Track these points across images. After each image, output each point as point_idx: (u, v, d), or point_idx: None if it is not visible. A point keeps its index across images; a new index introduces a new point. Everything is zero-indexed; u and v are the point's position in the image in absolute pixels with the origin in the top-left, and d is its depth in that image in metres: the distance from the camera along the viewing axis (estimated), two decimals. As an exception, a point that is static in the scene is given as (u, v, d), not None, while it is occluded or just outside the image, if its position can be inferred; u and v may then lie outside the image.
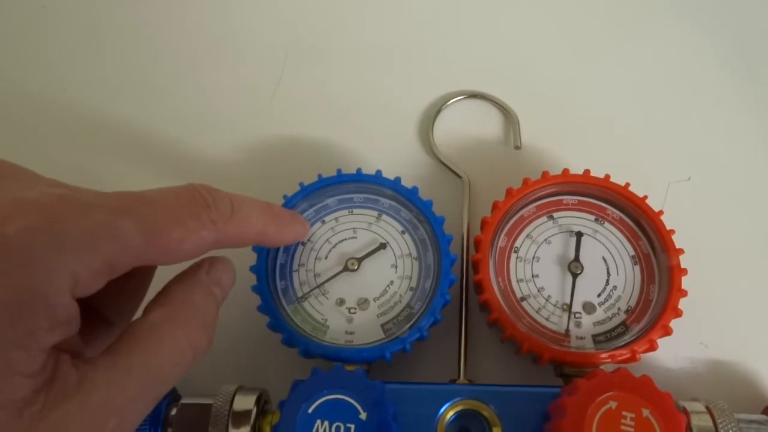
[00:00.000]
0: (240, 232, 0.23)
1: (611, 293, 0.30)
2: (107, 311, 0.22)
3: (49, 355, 0.17)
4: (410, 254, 0.31)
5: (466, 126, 0.38)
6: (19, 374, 0.16)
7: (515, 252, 0.31)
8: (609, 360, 0.28)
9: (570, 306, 0.30)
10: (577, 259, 0.31)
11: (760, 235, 0.35)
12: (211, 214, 0.21)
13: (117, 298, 0.22)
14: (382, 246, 0.31)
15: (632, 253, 0.31)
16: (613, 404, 0.24)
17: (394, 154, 0.37)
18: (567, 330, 0.29)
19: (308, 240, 0.31)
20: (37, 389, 0.16)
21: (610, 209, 0.32)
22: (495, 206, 0.31)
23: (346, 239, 0.31)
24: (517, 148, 0.37)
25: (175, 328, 0.20)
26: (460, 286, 0.32)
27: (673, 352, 0.32)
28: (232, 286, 0.24)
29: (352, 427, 0.24)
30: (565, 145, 0.37)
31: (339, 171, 0.32)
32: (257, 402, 0.28)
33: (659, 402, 0.24)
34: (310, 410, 0.24)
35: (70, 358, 0.17)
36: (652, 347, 0.28)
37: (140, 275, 0.23)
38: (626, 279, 0.31)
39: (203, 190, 0.21)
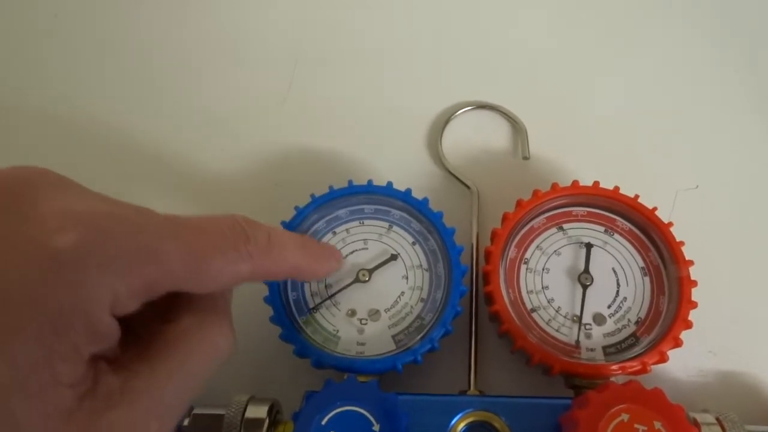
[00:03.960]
0: (275, 267, 0.23)
1: (621, 304, 0.30)
2: (135, 325, 0.22)
3: (89, 365, 0.17)
4: (421, 265, 0.31)
5: (474, 136, 0.38)
6: (63, 385, 0.16)
7: (525, 263, 0.31)
8: (620, 372, 0.28)
9: (580, 317, 0.30)
10: (587, 270, 0.31)
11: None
12: (249, 247, 0.21)
13: (147, 316, 0.22)
14: (393, 257, 0.31)
15: (642, 264, 0.31)
16: (625, 417, 0.24)
17: (403, 164, 0.37)
18: (577, 341, 0.30)
19: (319, 251, 0.32)
20: (81, 397, 0.17)
21: (620, 221, 0.32)
22: (505, 217, 0.31)
23: (357, 250, 0.32)
24: (526, 158, 0.37)
25: (206, 331, 0.20)
26: (470, 297, 0.32)
27: (683, 363, 0.32)
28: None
29: (365, 438, 0.24)
30: (573, 155, 0.37)
31: (350, 182, 0.32)
32: (269, 412, 0.28)
33: (671, 414, 0.24)
34: (323, 422, 0.25)
35: (107, 365, 0.18)
36: (663, 359, 0.28)
37: (171, 299, 0.23)
38: (636, 290, 0.31)
39: (243, 221, 0.22)
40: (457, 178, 0.36)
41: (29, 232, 0.16)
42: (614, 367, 0.28)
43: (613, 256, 0.31)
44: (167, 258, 0.18)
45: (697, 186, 0.37)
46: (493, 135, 0.38)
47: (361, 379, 0.27)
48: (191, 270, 0.19)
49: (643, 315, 0.30)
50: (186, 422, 0.28)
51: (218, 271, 0.20)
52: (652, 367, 0.28)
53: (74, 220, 0.17)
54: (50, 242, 0.16)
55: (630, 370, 0.28)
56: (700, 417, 0.28)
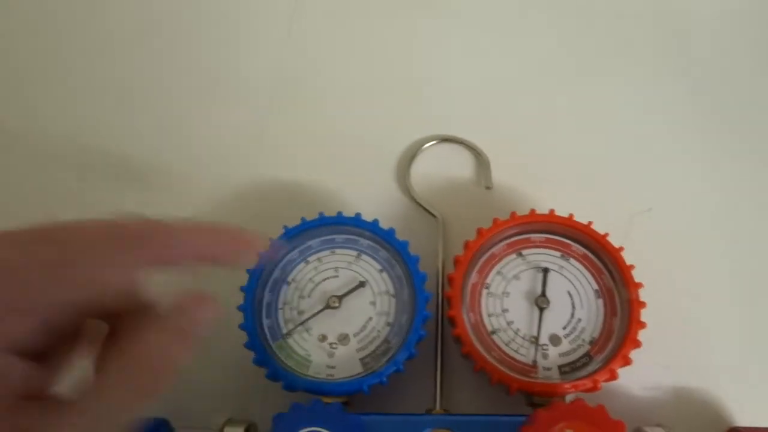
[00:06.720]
0: (173, 260, 0.22)
1: (576, 326, 0.32)
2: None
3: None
4: (388, 291, 0.33)
5: (440, 168, 0.40)
6: None
7: (486, 288, 0.33)
8: (572, 390, 0.30)
9: (537, 338, 0.32)
10: (543, 294, 0.33)
11: (722, 262, 0.38)
12: (135, 252, 0.21)
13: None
14: (362, 284, 0.33)
15: (596, 287, 0.33)
16: (569, 432, 0.26)
17: (373, 195, 0.39)
18: (534, 361, 0.31)
19: (293, 280, 0.33)
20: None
21: (575, 246, 0.34)
22: (466, 245, 0.33)
23: (328, 278, 0.34)
24: (488, 188, 0.39)
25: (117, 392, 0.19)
26: (436, 320, 0.34)
27: (637, 380, 0.34)
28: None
29: (331, 458, 0.26)
30: (533, 183, 0.39)
31: (321, 214, 0.34)
32: (245, 434, 0.30)
33: (612, 430, 0.26)
34: (291, 442, 0.26)
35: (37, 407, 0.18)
36: (613, 377, 0.30)
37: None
38: (590, 312, 0.33)
39: (121, 226, 0.21)
40: (424, 208, 0.39)
41: None
42: (567, 385, 0.30)
43: (569, 280, 0.33)
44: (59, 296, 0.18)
45: (651, 209, 0.39)
46: (459, 166, 0.40)
47: (326, 400, 0.29)
48: (86, 296, 0.19)
49: (596, 335, 0.32)
50: (165, 444, 0.30)
51: (112, 284, 0.20)
52: (611, 383, 0.30)
53: None
54: None
55: (582, 388, 0.30)
56: (651, 431, 0.30)
